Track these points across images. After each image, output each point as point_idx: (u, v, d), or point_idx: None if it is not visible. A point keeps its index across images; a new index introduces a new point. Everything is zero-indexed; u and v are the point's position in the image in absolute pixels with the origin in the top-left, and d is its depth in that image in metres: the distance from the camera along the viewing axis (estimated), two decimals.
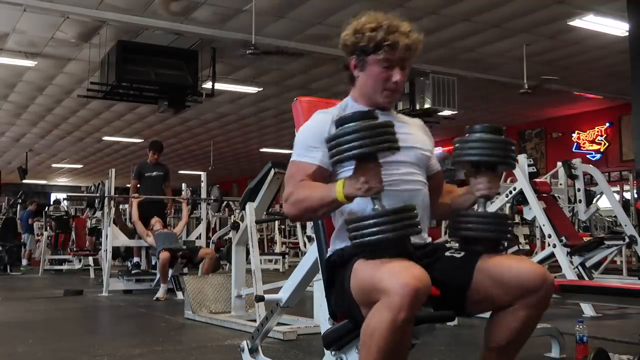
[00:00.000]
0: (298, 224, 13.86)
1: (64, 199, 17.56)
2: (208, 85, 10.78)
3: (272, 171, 4.98)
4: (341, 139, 1.93)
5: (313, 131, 2.24)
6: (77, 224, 14.88)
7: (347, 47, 2.32)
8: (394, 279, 1.81)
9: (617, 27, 9.46)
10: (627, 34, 7.95)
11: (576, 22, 9.60)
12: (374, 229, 1.88)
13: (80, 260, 13.69)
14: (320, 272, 2.43)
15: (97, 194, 8.65)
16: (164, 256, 7.73)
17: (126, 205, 12.21)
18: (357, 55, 2.29)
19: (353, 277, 2.02)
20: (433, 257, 2.19)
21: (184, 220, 8.95)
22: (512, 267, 2.04)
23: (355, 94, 2.37)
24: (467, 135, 2.16)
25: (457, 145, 2.17)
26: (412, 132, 2.37)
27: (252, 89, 13.37)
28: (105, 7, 8.77)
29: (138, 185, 9.03)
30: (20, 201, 18.24)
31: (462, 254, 2.16)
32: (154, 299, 7.52)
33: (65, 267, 14.16)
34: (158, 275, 7.95)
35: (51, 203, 18.35)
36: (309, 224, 6.56)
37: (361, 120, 1.93)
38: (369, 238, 1.89)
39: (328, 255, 2.30)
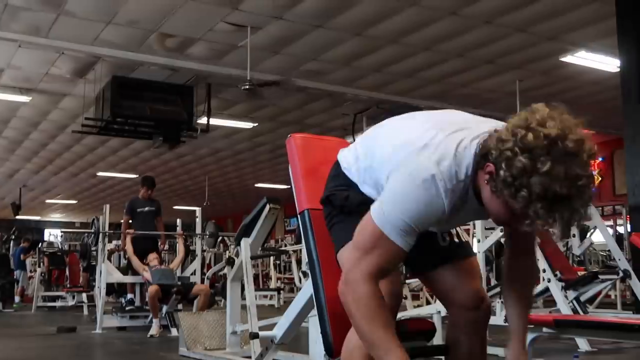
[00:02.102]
0: (293, 259, 13.85)
1: (58, 235, 17.53)
2: (203, 120, 10.82)
3: (267, 207, 4.99)
4: None
5: (423, 213, 1.80)
6: (71, 260, 14.82)
7: (498, 157, 1.69)
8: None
9: (609, 64, 9.57)
10: (618, 70, 8.03)
11: (568, 59, 9.70)
12: None
13: (73, 297, 13.59)
14: (315, 306, 2.43)
15: (92, 230, 8.65)
16: (151, 290, 7.70)
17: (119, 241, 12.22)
18: (496, 174, 1.69)
19: (344, 251, 2.05)
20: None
21: (181, 255, 8.92)
22: (461, 285, 2.14)
23: (478, 181, 1.81)
24: None
25: None
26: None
27: (247, 125, 13.41)
28: (100, 43, 8.83)
29: (130, 221, 9.04)
30: (13, 237, 18.19)
31: (445, 244, 2.19)
32: (148, 335, 7.48)
33: (58, 304, 14.03)
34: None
35: (45, 239, 18.35)
36: (304, 260, 6.54)
37: None
38: None
39: (336, 166, 2.21)
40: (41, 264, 14.63)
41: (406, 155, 1.83)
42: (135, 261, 8.40)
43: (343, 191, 2.13)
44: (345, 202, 2.11)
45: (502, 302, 6.51)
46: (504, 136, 1.68)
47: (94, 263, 11.23)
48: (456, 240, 2.20)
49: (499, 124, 1.85)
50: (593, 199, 1.66)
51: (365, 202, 1.95)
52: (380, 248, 1.82)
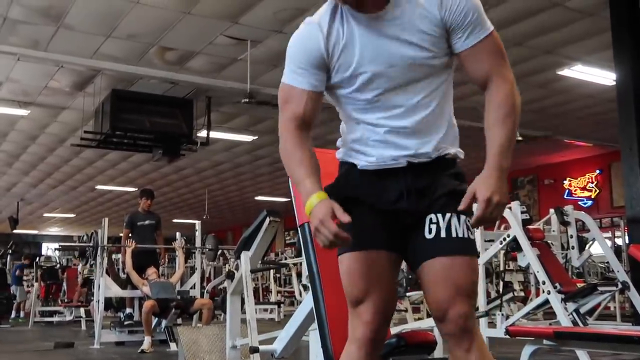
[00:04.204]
0: (293, 273, 13.82)
1: (55, 249, 17.46)
2: (203, 133, 10.83)
3: (267, 220, 4.98)
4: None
5: (302, 49, 2.03)
6: (68, 275, 14.76)
7: None
8: (350, 318, 2.04)
9: (605, 77, 9.64)
10: (614, 83, 8.08)
11: (565, 72, 9.76)
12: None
13: (71, 312, 13.54)
14: (316, 320, 2.43)
15: (91, 244, 8.61)
16: (147, 305, 7.61)
17: (119, 255, 12.16)
18: None
19: (342, 260, 2.09)
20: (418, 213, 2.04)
21: (181, 270, 8.86)
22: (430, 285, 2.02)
23: None
24: None
25: None
26: (410, 27, 1.97)
27: (247, 138, 13.43)
28: (100, 56, 8.86)
29: (130, 235, 9.03)
30: (10, 252, 18.11)
31: (431, 236, 2.00)
32: (139, 351, 7.36)
33: (55, 318, 13.96)
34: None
35: (42, 254, 18.30)
36: (305, 273, 6.53)
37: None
38: None
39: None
40: (38, 278, 14.56)
41: None
42: (135, 276, 8.37)
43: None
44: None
45: (502, 314, 6.52)
46: None
47: (92, 277, 11.20)
48: (443, 234, 1.99)
49: None
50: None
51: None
52: (291, 99, 2.07)
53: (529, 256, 6.58)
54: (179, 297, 8.15)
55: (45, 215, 24.72)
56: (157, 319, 7.95)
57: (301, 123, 2.07)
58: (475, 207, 1.89)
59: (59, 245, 20.66)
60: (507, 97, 2.09)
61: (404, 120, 2.03)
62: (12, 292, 15.43)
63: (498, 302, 7.00)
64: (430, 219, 2.01)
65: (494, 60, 2.06)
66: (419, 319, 9.02)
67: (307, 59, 2.00)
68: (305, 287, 9.40)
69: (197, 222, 9.32)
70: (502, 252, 7.52)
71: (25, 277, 16.35)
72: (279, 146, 2.12)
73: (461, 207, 1.90)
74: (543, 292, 6.44)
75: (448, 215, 2.01)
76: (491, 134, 1.99)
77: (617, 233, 14.46)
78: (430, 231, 2.00)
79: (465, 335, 1.92)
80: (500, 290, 8.16)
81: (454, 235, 1.99)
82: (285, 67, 2.08)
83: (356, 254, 2.03)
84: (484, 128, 2.02)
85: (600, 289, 7.13)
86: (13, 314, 15.04)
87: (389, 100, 2.02)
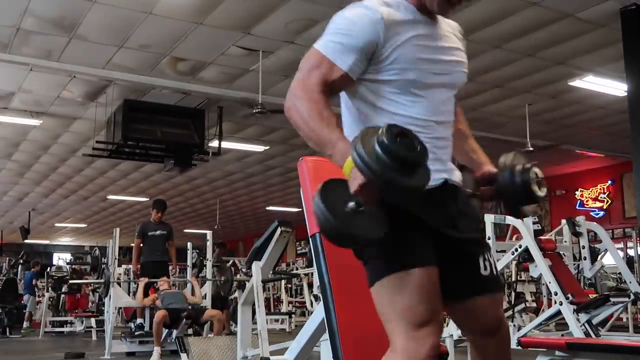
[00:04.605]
0: (304, 283, 13.82)
1: (67, 263, 17.46)
2: (214, 143, 10.84)
3: (279, 230, 4.98)
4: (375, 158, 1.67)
5: (357, 28, 1.91)
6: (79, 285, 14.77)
7: None
8: (406, 343, 1.83)
9: (616, 88, 9.62)
10: (625, 94, 8.07)
11: (576, 83, 9.75)
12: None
13: (82, 322, 13.55)
14: (327, 330, 2.43)
15: (102, 280, 8.59)
16: (158, 315, 7.55)
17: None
18: None
19: (377, 288, 1.92)
20: (460, 249, 2.05)
21: (197, 301, 8.63)
22: (483, 313, 2.09)
23: None
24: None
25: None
26: (456, 46, 2.12)
27: (258, 148, 13.46)
28: (112, 66, 8.91)
29: (141, 245, 9.05)
30: (21, 262, 18.14)
31: (487, 273, 2.09)
32: None
33: (66, 329, 13.96)
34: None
35: (53, 264, 18.34)
36: (316, 284, 6.53)
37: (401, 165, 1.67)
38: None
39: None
40: (49, 288, 14.57)
41: None
42: (147, 303, 8.35)
43: None
44: None
45: (514, 325, 6.49)
46: None
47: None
48: (494, 271, 2.12)
49: None
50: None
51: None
52: (322, 66, 1.91)
53: (540, 267, 6.56)
54: (190, 307, 8.13)
55: (57, 225, 24.79)
56: (167, 329, 7.94)
57: (326, 91, 1.91)
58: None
59: (70, 260, 20.60)
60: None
61: (446, 131, 2.09)
62: (25, 301, 15.42)
63: (510, 312, 6.97)
64: (484, 257, 2.09)
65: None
66: None
67: (358, 41, 1.90)
68: (316, 298, 9.40)
69: (209, 232, 9.33)
70: (514, 262, 7.51)
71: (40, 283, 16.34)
72: (290, 107, 1.93)
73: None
74: (555, 303, 6.42)
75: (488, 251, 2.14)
76: (468, 142, 2.30)
77: (629, 244, 14.39)
78: (485, 268, 2.08)
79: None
80: (512, 301, 8.14)
81: (495, 273, 2.13)
82: (325, 35, 1.97)
83: (426, 270, 1.89)
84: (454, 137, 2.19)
85: (613, 300, 7.10)
86: (25, 324, 15.05)
87: (435, 106, 2.04)
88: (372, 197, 1.72)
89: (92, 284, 13.62)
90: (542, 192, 2.10)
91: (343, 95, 2.08)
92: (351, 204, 1.73)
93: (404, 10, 1.99)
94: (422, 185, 1.72)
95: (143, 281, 8.51)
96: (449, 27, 2.13)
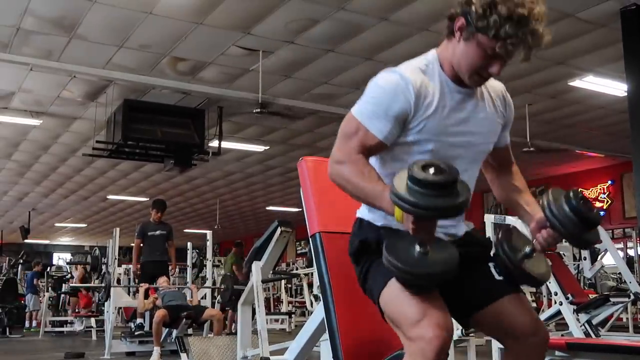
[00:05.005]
0: (304, 283, 13.82)
1: (67, 263, 17.46)
2: (214, 143, 10.83)
3: (279, 230, 4.98)
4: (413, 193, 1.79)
5: (390, 96, 2.01)
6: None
7: (466, 7, 1.98)
8: (424, 328, 1.85)
9: (616, 88, 9.61)
10: (625, 94, 8.07)
11: (576, 83, 9.75)
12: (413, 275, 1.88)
13: (82, 322, 13.55)
14: (327, 330, 2.43)
15: (103, 284, 8.58)
16: (159, 314, 7.53)
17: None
18: (467, 23, 1.98)
19: (384, 296, 2.01)
20: (467, 264, 2.08)
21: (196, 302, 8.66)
22: (514, 314, 2.10)
23: (446, 55, 2.12)
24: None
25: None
26: (489, 116, 2.19)
27: (258, 148, 13.46)
28: (112, 66, 8.90)
29: (141, 245, 9.05)
30: (21, 261, 18.12)
31: (500, 278, 2.14)
32: None
33: (66, 329, 13.97)
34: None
35: (53, 264, 18.34)
36: (316, 284, 6.53)
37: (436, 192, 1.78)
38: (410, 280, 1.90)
39: (359, 222, 2.23)
40: (49, 288, 14.57)
41: None
42: (148, 306, 8.33)
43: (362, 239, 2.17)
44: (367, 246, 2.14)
45: None
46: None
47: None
48: (506, 278, 2.17)
49: None
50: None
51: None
52: (359, 134, 2.02)
53: None
54: (190, 304, 8.11)
55: (57, 225, 24.78)
56: (167, 329, 7.93)
57: (365, 153, 2.04)
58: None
59: (70, 260, 20.63)
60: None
61: None
62: (26, 301, 15.41)
63: None
64: (493, 265, 2.18)
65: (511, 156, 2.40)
66: None
67: (391, 110, 2.02)
68: (316, 298, 9.39)
69: (209, 232, 9.34)
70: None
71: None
72: (333, 173, 2.06)
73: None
74: (555, 303, 6.42)
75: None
76: (523, 196, 2.32)
77: (629, 244, 14.40)
78: (499, 273, 2.15)
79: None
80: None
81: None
82: (361, 101, 2.09)
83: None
84: (509, 193, 2.36)
85: (613, 300, 7.10)
86: (27, 324, 15.07)
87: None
88: (428, 231, 1.87)
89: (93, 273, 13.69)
90: (594, 214, 2.05)
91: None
92: (417, 248, 1.86)
93: (438, 79, 2.08)
94: (463, 203, 1.81)
95: (144, 287, 8.50)
96: (489, 92, 2.23)
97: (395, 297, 1.96)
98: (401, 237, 1.91)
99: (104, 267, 8.84)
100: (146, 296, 8.49)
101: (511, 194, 2.34)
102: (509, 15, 1.89)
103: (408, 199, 1.76)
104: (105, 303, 8.72)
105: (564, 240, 2.22)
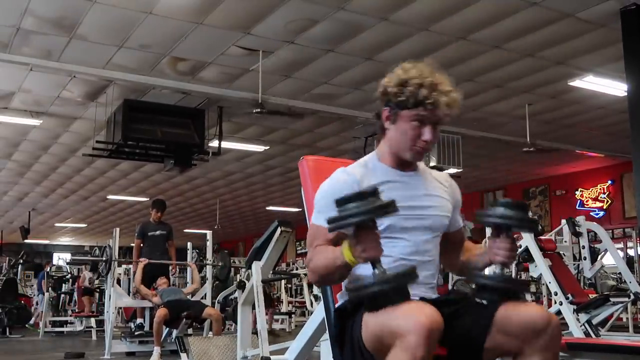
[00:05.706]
0: (304, 283, 13.83)
1: (67, 263, 17.46)
2: (214, 143, 10.82)
3: (279, 230, 4.99)
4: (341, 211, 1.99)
5: (333, 193, 2.12)
6: (79, 285, 14.78)
7: (386, 96, 2.28)
8: (407, 319, 1.86)
9: (616, 88, 9.60)
10: (625, 94, 8.07)
11: (576, 83, 9.73)
12: (374, 291, 1.96)
13: (82, 322, 13.53)
14: (327, 330, 2.43)
15: (104, 258, 8.58)
16: (160, 313, 7.51)
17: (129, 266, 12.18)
18: (390, 107, 2.26)
19: (364, 327, 2.06)
20: (453, 307, 2.18)
21: (195, 285, 8.71)
22: (517, 313, 2.10)
23: (383, 149, 2.35)
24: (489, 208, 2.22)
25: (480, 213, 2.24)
26: (436, 194, 2.36)
27: (258, 148, 13.45)
28: (112, 66, 8.90)
29: (141, 245, 9.05)
30: (21, 261, 18.11)
31: (484, 302, 2.16)
32: None
33: (66, 329, 13.97)
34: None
35: (53, 263, 18.36)
36: None
37: (359, 201, 1.97)
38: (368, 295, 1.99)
39: (337, 306, 2.34)
40: (49, 288, 14.56)
41: None
42: (144, 290, 8.31)
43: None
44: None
45: None
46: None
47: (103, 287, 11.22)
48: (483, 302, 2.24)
49: None
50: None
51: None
52: (319, 236, 2.19)
53: (540, 267, 6.56)
54: (189, 300, 8.09)
55: (57, 225, 24.78)
56: (167, 329, 7.93)
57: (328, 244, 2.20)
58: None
59: (71, 259, 20.59)
60: None
61: (428, 270, 2.32)
62: (36, 301, 15.44)
63: None
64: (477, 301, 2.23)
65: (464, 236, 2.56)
66: None
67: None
68: (316, 298, 9.40)
69: (209, 232, 9.33)
70: (514, 262, 7.49)
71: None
72: (311, 271, 2.19)
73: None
74: (555, 303, 6.42)
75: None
76: (472, 252, 2.46)
77: (629, 244, 14.40)
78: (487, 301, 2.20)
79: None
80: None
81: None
82: (315, 211, 2.26)
83: None
84: (467, 256, 2.46)
85: (613, 300, 7.10)
86: (32, 321, 15.16)
87: (417, 246, 2.29)
88: (372, 239, 1.98)
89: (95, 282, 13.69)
90: (518, 200, 2.24)
91: None
92: (373, 271, 1.99)
93: (380, 170, 2.31)
94: (386, 204, 1.97)
95: (143, 262, 8.49)
96: (434, 176, 2.42)
97: (374, 320, 2.00)
98: (359, 282, 2.01)
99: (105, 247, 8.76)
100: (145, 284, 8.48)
101: (463, 262, 2.46)
102: (420, 83, 2.18)
103: (338, 216, 1.97)
104: (105, 304, 8.71)
105: (517, 243, 2.32)
